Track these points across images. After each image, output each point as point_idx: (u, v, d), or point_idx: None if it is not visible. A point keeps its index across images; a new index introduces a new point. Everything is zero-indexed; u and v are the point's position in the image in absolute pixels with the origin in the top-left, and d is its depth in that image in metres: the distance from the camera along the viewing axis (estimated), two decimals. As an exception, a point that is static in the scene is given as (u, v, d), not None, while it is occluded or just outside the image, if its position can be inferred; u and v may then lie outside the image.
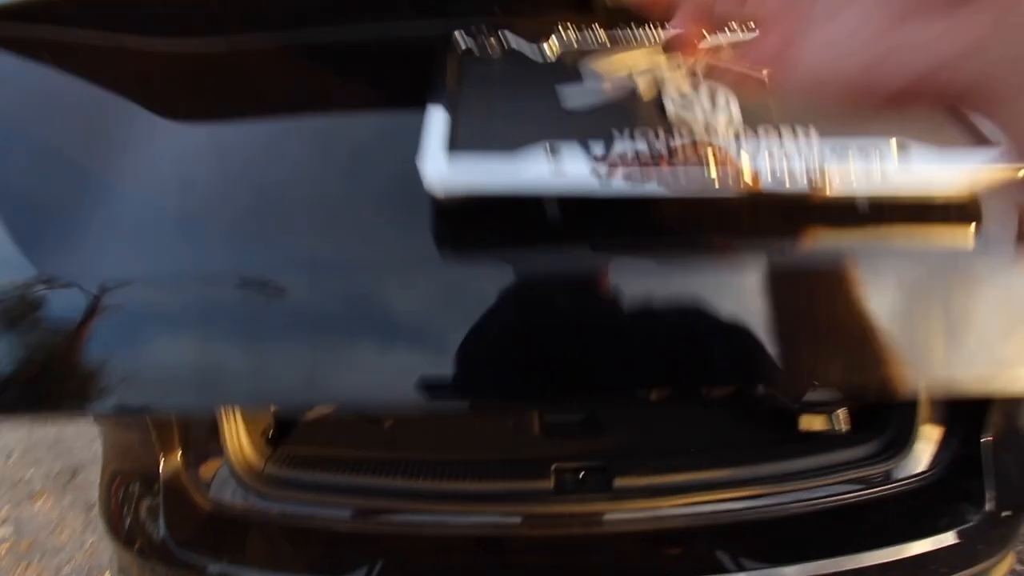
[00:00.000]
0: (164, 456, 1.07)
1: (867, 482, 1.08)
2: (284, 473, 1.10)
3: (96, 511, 2.14)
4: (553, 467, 1.08)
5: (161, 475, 1.06)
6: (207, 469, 1.11)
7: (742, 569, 0.95)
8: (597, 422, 1.30)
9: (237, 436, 1.10)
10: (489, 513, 1.04)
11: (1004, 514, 1.08)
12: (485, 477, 1.06)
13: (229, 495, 1.08)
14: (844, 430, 1.16)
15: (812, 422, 1.18)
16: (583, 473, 1.07)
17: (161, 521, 1.02)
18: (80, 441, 2.65)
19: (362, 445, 1.23)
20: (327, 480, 1.08)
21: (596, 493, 1.04)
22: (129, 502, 1.08)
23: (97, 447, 2.57)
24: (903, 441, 1.12)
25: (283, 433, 1.29)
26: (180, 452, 1.10)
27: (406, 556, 1.02)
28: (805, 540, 1.03)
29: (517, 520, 1.03)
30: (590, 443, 1.21)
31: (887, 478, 1.09)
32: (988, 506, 1.06)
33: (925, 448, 1.13)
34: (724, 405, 1.33)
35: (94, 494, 2.24)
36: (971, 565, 1.03)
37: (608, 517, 1.02)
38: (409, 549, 1.03)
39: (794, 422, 1.20)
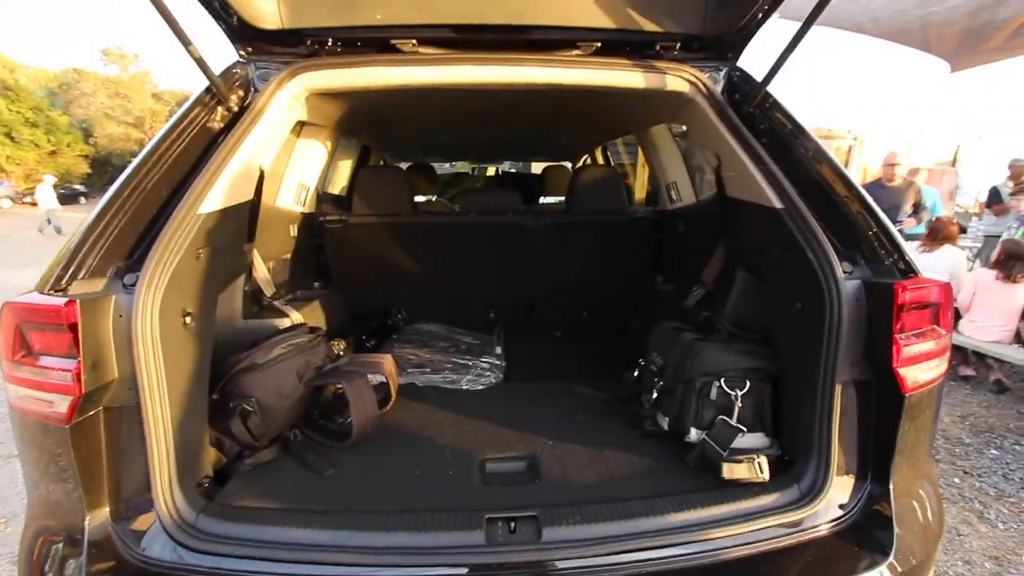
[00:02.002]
0: (90, 510, 1.05)
1: (786, 527, 1.14)
2: (217, 527, 1.09)
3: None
4: (486, 517, 1.11)
5: (87, 530, 1.04)
6: (136, 523, 1.10)
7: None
8: (533, 472, 1.34)
9: (169, 487, 1.09)
10: (424, 567, 1.05)
11: (913, 558, 1.15)
12: (420, 529, 1.08)
13: (158, 550, 1.06)
14: (764, 479, 1.23)
15: (735, 470, 1.24)
16: (514, 524, 1.10)
17: (83, 578, 1.00)
18: (13, 490, 2.51)
19: (299, 495, 1.23)
20: (261, 534, 1.07)
21: (527, 544, 1.06)
22: (52, 560, 1.05)
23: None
24: (819, 488, 1.19)
25: (220, 481, 1.28)
26: (108, 505, 1.08)
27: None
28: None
29: (449, 573, 1.04)
30: (522, 494, 1.24)
31: (805, 523, 1.15)
32: (896, 550, 1.13)
33: (839, 495, 1.21)
34: (652, 458, 1.39)
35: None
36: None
37: (540, 569, 1.05)
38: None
39: (719, 470, 1.25)
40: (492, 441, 1.49)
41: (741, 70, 1.60)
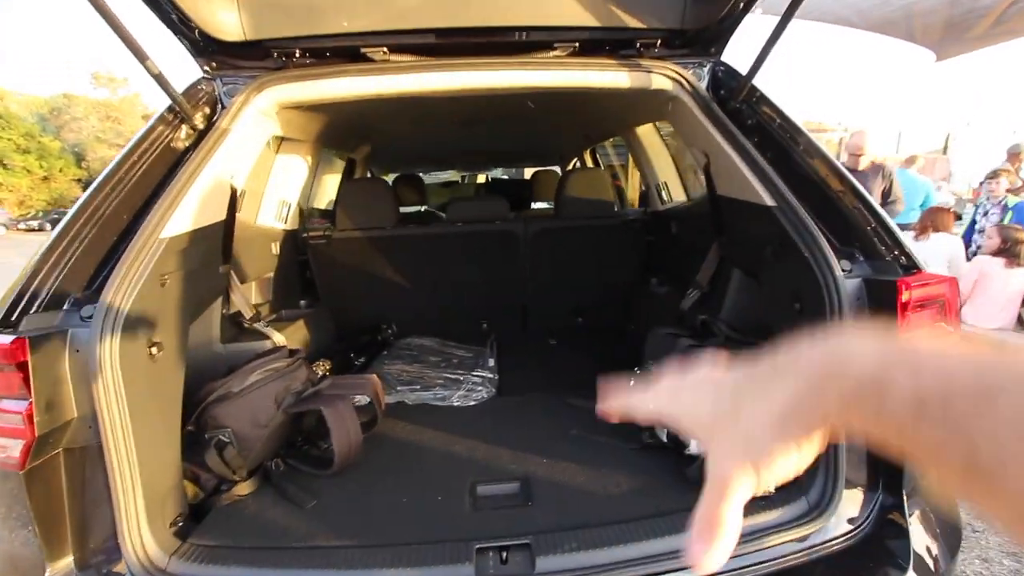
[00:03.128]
0: (51, 561, 0.98)
1: (796, 543, 1.07)
2: (189, 570, 1.02)
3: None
4: (476, 547, 1.04)
5: (46, 583, 0.97)
6: (104, 570, 1.03)
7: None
8: (526, 494, 1.27)
9: (137, 530, 1.02)
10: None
11: (933, 570, 1.09)
12: (404, 564, 1.01)
13: None
14: (769, 492, 1.16)
15: (739, 484, 1.17)
16: (505, 553, 1.03)
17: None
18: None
19: (278, 532, 1.16)
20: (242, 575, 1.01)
21: (520, 574, 1.00)
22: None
23: None
24: (828, 500, 1.12)
25: (198, 518, 1.21)
26: (72, 554, 1.01)
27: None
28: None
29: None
30: (515, 519, 1.17)
31: (815, 538, 1.09)
32: (914, 563, 1.06)
33: (850, 507, 1.14)
34: (652, 473, 1.32)
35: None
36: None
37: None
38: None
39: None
40: (483, 462, 1.42)
41: (725, 65, 1.55)
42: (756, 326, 1.50)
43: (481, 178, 5.99)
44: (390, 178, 4.41)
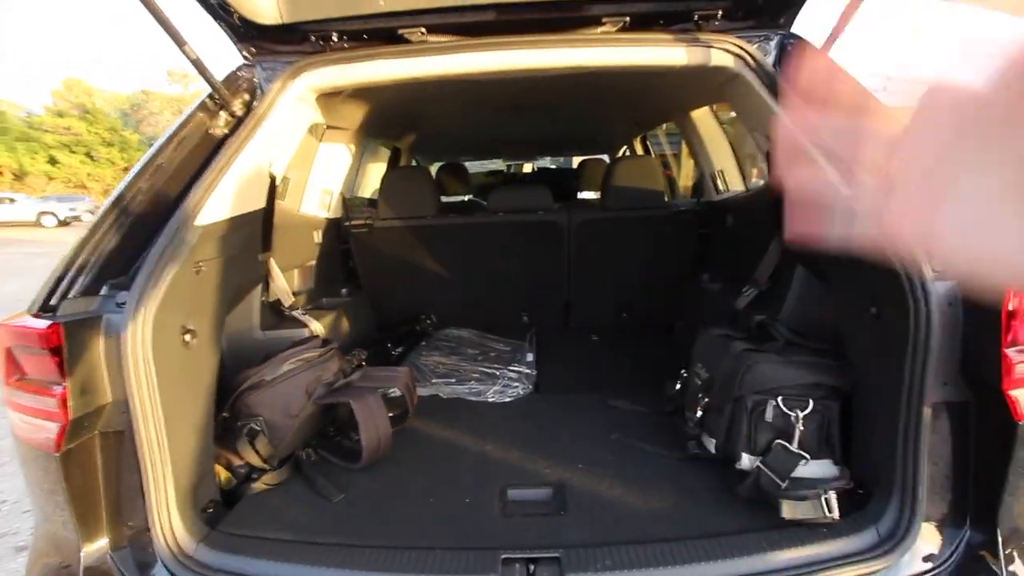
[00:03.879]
0: (86, 541, 1.00)
1: (861, 582, 0.94)
2: (214, 559, 1.02)
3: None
4: (502, 557, 0.98)
5: (82, 561, 0.99)
6: (137, 552, 1.04)
7: None
8: (559, 502, 1.19)
9: (167, 515, 1.02)
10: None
11: None
12: (426, 571, 0.96)
13: None
14: (834, 518, 1.03)
15: (798, 509, 1.05)
16: (533, 567, 0.96)
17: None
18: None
19: (304, 525, 1.14)
20: (258, 569, 0.99)
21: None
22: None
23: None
24: (903, 533, 0.98)
25: (230, 503, 1.22)
26: (107, 535, 1.03)
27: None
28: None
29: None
30: (546, 529, 1.10)
31: (885, 576, 0.95)
32: None
33: (928, 543, 1.00)
34: (697, 488, 1.21)
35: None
36: None
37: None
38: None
39: (776, 507, 1.07)
40: (516, 464, 1.36)
41: (796, 37, 1.38)
42: (822, 331, 1.34)
43: (528, 167, 5.89)
44: (434, 167, 4.40)
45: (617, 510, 1.16)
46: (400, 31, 1.36)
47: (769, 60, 1.38)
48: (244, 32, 1.36)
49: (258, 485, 1.26)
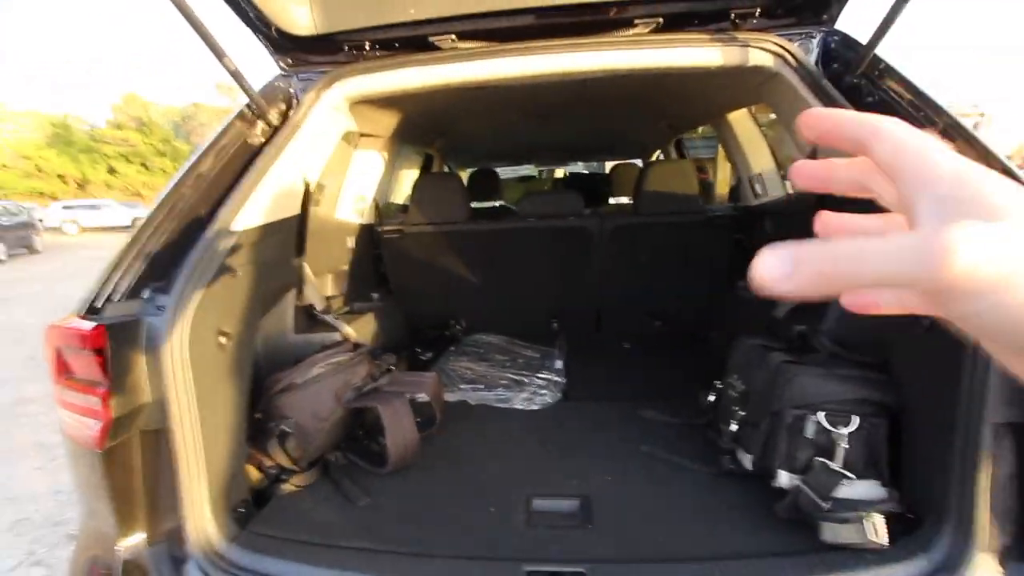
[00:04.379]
0: (124, 536, 1.04)
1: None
2: (244, 559, 1.04)
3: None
4: (525, 570, 0.96)
5: (119, 557, 1.03)
6: (172, 549, 1.07)
7: None
8: (586, 514, 1.16)
9: (201, 513, 1.05)
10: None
11: None
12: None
13: None
14: (880, 544, 0.96)
15: (840, 532, 0.99)
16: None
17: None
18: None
19: (330, 528, 1.15)
20: (284, 571, 1.01)
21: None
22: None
23: None
24: (958, 564, 0.90)
25: (260, 503, 1.24)
26: (145, 531, 1.07)
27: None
28: None
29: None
30: (571, 542, 1.07)
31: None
32: None
33: (987, 571, 0.92)
34: (731, 506, 1.15)
35: None
36: None
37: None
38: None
39: (816, 529, 1.01)
40: (542, 474, 1.34)
41: (841, 34, 1.32)
42: (868, 344, 1.26)
43: (560, 173, 5.86)
44: (466, 174, 4.44)
45: (645, 526, 1.12)
46: (431, 38, 1.38)
47: (811, 59, 1.32)
48: (280, 44, 1.40)
49: (287, 487, 1.28)
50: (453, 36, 1.36)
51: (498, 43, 1.39)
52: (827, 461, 1.09)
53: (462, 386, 1.90)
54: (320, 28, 1.32)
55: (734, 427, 1.30)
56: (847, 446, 1.09)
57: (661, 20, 1.34)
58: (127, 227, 19.67)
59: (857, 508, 1.02)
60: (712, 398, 1.52)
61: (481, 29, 1.37)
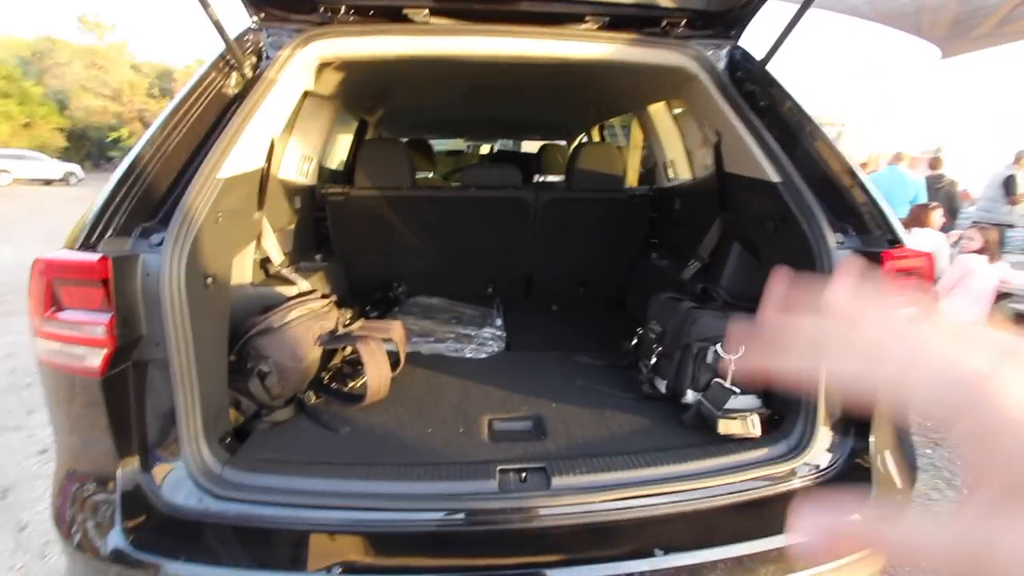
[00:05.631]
0: (121, 460, 1.10)
1: (775, 478, 1.23)
2: (243, 477, 1.14)
3: (27, 532, 2.06)
4: (498, 468, 1.18)
5: (119, 479, 1.09)
6: (164, 473, 1.14)
7: (666, 554, 1.07)
8: (539, 430, 1.41)
9: (196, 440, 1.14)
10: (440, 511, 1.11)
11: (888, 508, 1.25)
12: (435, 478, 1.15)
13: (184, 498, 1.11)
14: (756, 434, 1.31)
15: (730, 426, 1.33)
16: (524, 474, 1.17)
17: (118, 524, 1.05)
18: (11, 458, 2.53)
19: (317, 451, 1.29)
20: (285, 483, 1.13)
21: (537, 491, 1.14)
22: (85, 506, 1.10)
23: (30, 464, 2.48)
24: (806, 443, 1.28)
25: (240, 439, 1.33)
26: (137, 456, 1.13)
27: (362, 553, 1.08)
28: (722, 529, 1.16)
29: (466, 517, 1.11)
30: (530, 449, 1.32)
31: (792, 474, 1.25)
32: (874, 500, 1.23)
33: (823, 449, 1.31)
34: (651, 417, 1.47)
35: (25, 515, 2.16)
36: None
37: (550, 512, 1.12)
38: (364, 547, 1.09)
39: (714, 428, 1.34)
40: (498, 403, 1.56)
41: (742, 49, 1.65)
42: (754, 295, 1.64)
43: (484, 149, 6.02)
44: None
45: (587, 434, 1.39)
46: (405, 11, 1.49)
47: (721, 66, 1.64)
48: None
49: (267, 421, 1.38)
50: (427, 11, 1.49)
51: (467, 22, 1.54)
52: (721, 380, 1.44)
53: (414, 339, 2.06)
54: None
55: (653, 360, 1.62)
56: (735, 368, 1.44)
57: (608, 19, 1.57)
58: (59, 181, 19.23)
59: (741, 413, 1.38)
60: (634, 342, 1.84)
61: (453, 8, 1.51)
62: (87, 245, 1.06)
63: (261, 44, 1.50)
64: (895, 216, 1.32)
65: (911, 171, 5.72)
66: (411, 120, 4.23)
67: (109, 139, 28.64)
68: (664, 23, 1.58)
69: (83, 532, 1.08)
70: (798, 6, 1.39)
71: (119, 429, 1.09)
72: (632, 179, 4.08)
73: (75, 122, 28.65)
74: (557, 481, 1.15)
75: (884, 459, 1.32)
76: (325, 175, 2.91)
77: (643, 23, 1.60)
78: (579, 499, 1.12)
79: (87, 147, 30.08)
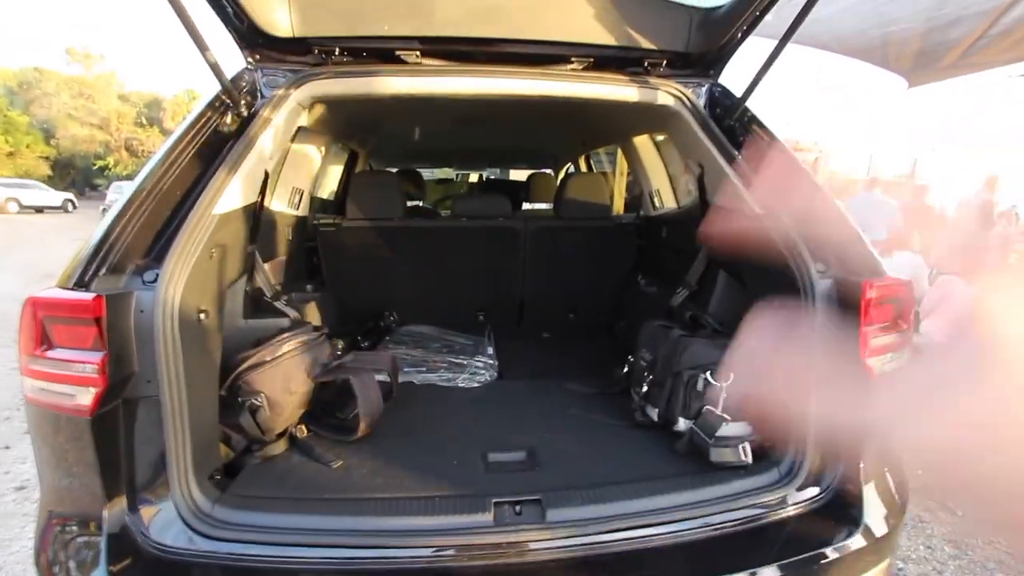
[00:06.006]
0: (109, 500, 1.08)
1: (768, 505, 1.24)
2: (233, 515, 1.12)
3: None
4: (493, 501, 1.17)
5: (105, 520, 1.07)
6: (152, 512, 1.12)
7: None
8: (533, 461, 1.41)
9: (185, 477, 1.12)
10: (435, 547, 1.10)
11: (880, 532, 1.27)
12: (430, 513, 1.14)
13: (172, 538, 1.08)
14: (748, 462, 1.33)
15: (723, 454, 1.34)
16: (519, 507, 1.17)
17: (102, 566, 1.02)
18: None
19: (310, 486, 1.27)
20: (276, 521, 1.11)
21: (532, 524, 1.13)
22: (68, 549, 1.07)
23: (5, 503, 2.40)
24: (796, 471, 1.29)
25: (230, 475, 1.31)
26: (125, 496, 1.11)
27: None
28: (716, 560, 1.16)
29: (461, 552, 1.10)
30: (525, 481, 1.31)
31: (785, 501, 1.25)
32: (864, 526, 1.24)
33: (813, 475, 1.32)
34: (644, 446, 1.48)
35: (0, 556, 2.08)
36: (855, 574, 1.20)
37: (546, 546, 1.11)
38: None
39: (706, 456, 1.35)
40: (492, 434, 1.56)
41: (722, 86, 1.73)
42: (739, 321, 1.67)
43: (473, 177, 6.11)
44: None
45: (580, 465, 1.39)
46: (397, 52, 1.54)
47: (701, 103, 1.71)
48: (251, 40, 1.47)
49: (259, 455, 1.36)
50: (418, 52, 1.55)
51: (456, 63, 1.60)
52: (712, 408, 1.45)
53: (406, 369, 2.05)
54: (297, 31, 1.43)
55: (644, 388, 1.63)
56: (726, 396, 1.46)
57: (592, 60, 1.64)
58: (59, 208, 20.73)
59: (732, 442, 1.39)
60: (625, 370, 1.85)
61: (443, 50, 1.57)
62: (81, 283, 1.06)
63: (257, 84, 1.54)
64: (872, 245, 1.38)
65: (885, 196, 5.92)
66: (401, 151, 4.30)
67: (96, 167, 28.52)
68: (646, 63, 1.65)
69: (66, 574, 1.05)
70: (775, 43, 1.46)
71: (107, 468, 1.07)
72: (619, 206, 4.16)
73: (61, 151, 28.55)
74: (552, 514, 1.15)
75: (875, 484, 1.33)
76: (316, 205, 2.93)
77: (626, 63, 1.67)
78: (575, 532, 1.12)
79: (72, 175, 29.90)
